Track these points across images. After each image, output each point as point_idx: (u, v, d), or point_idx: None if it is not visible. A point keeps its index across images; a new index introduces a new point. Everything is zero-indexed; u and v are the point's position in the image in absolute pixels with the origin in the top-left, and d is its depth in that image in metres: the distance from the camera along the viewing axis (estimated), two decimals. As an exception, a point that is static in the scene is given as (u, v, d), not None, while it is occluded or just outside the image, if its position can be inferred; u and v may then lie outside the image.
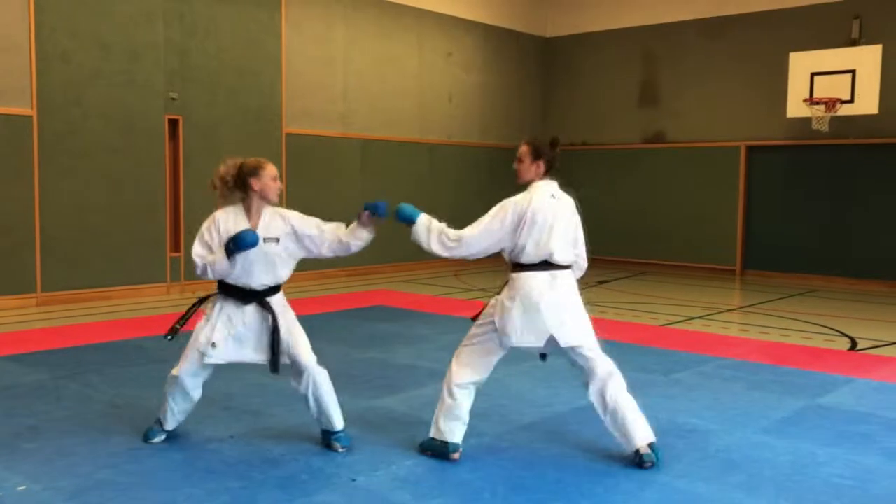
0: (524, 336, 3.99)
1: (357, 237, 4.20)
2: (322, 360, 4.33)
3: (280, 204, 4.37)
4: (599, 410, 4.08)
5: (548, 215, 4.01)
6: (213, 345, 4.15)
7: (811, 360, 6.60)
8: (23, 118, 8.71)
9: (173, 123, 9.89)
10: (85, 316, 8.33)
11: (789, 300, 10.22)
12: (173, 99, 9.79)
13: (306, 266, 4.56)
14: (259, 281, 4.16)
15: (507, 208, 4.04)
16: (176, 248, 9.99)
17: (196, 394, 4.33)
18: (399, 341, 7.15)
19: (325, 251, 4.26)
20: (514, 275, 4.07)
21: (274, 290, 4.24)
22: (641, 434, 4.01)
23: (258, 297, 4.17)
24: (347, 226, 4.26)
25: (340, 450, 4.24)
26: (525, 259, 4.03)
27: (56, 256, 9.00)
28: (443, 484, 3.82)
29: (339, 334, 7.29)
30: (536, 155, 4.11)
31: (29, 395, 5.26)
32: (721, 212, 12.85)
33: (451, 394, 4.12)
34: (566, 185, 4.24)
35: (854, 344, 7.42)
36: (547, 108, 14.94)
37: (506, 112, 14.28)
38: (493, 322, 4.08)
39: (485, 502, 3.62)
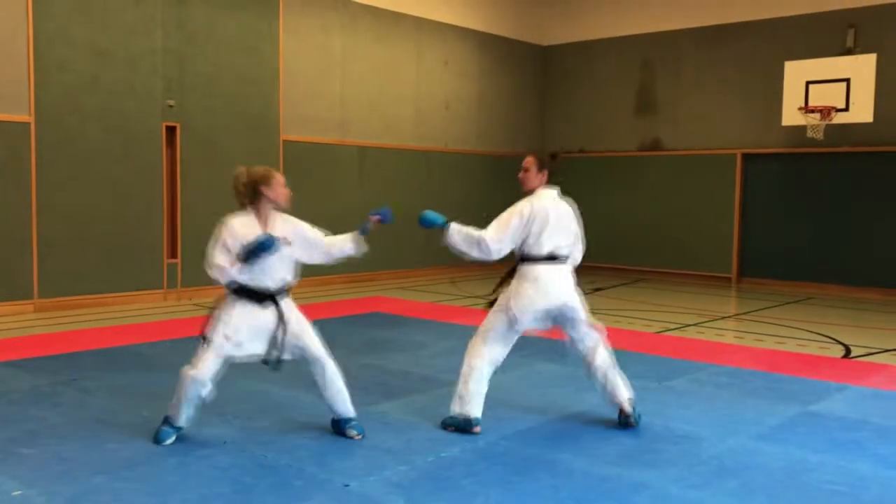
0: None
1: (342, 250, 4.52)
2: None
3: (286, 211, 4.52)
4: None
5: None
6: (231, 340, 4.31)
7: (805, 368, 6.62)
8: (21, 125, 8.74)
9: (171, 130, 9.92)
10: (82, 322, 8.35)
11: (785, 307, 10.25)
12: (170, 106, 9.83)
13: (305, 272, 4.69)
14: (277, 281, 4.38)
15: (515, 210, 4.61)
16: (173, 254, 10.01)
17: (209, 393, 4.43)
18: (395, 348, 7.17)
19: (317, 258, 4.55)
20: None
21: (285, 291, 4.46)
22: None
23: (272, 297, 4.37)
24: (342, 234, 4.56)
25: (357, 437, 4.47)
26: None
27: (53, 263, 9.02)
28: (436, 489, 3.83)
29: (335, 340, 7.16)
30: (541, 166, 4.73)
31: (26, 400, 5.27)
32: (717, 219, 12.89)
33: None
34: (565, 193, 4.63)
35: (848, 351, 7.45)
36: (544, 115, 14.99)
37: (503, 120, 14.32)
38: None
39: (478, 508, 3.64)
